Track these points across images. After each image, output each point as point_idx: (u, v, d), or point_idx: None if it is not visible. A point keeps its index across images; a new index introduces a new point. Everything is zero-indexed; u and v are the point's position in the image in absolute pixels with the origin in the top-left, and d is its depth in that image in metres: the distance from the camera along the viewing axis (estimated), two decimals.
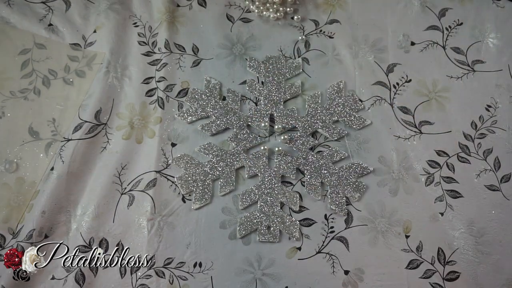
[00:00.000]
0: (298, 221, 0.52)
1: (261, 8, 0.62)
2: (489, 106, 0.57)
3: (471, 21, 0.61)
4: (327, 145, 0.55)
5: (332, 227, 0.52)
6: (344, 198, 0.52)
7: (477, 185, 0.54)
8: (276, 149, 0.54)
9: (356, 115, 0.56)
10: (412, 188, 0.53)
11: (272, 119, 0.56)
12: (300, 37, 0.61)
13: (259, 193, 0.53)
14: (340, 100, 0.57)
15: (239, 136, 0.55)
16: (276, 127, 0.55)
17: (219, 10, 0.62)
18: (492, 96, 0.58)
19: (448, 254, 0.51)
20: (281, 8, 0.61)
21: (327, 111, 0.56)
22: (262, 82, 0.58)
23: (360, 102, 0.57)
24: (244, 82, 0.58)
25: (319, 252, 0.51)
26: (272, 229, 0.51)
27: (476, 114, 0.57)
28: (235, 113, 0.56)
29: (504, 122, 0.57)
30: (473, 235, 0.51)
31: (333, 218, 0.52)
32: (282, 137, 0.54)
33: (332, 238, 0.51)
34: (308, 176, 0.53)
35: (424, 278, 0.50)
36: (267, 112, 0.56)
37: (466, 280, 0.50)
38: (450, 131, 0.56)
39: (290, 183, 0.54)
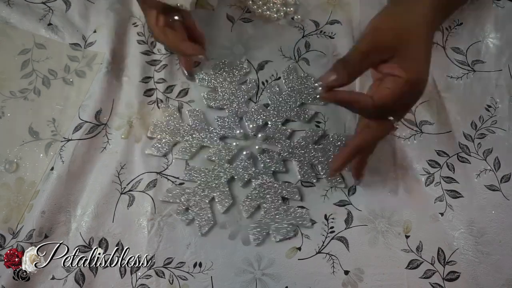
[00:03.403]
0: None
1: (262, 8, 0.62)
2: (489, 106, 0.57)
3: (471, 21, 0.61)
4: (303, 129, 0.56)
5: (332, 227, 0.52)
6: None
7: (477, 185, 0.54)
8: (256, 147, 0.54)
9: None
10: (412, 188, 0.53)
11: (242, 122, 0.56)
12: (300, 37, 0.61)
13: (257, 196, 0.52)
14: (296, 84, 0.58)
15: (216, 151, 0.54)
16: (249, 127, 0.55)
17: (219, 10, 0.62)
18: (492, 96, 0.58)
19: (448, 254, 0.51)
20: (281, 8, 0.61)
21: (289, 99, 0.57)
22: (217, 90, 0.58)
23: (312, 78, 0.58)
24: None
25: (319, 252, 0.51)
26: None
27: (476, 114, 0.57)
28: (205, 130, 0.55)
29: (504, 122, 0.57)
30: (473, 235, 0.51)
31: (333, 218, 0.52)
32: (259, 135, 0.55)
33: (332, 238, 0.51)
34: (298, 164, 0.54)
35: (424, 278, 0.50)
36: (235, 117, 0.56)
37: (466, 280, 0.50)
38: (450, 131, 0.56)
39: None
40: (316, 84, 0.40)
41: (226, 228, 0.51)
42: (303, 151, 0.54)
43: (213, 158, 0.54)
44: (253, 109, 0.56)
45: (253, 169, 0.54)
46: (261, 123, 0.56)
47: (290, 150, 0.54)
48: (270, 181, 0.53)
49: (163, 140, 0.55)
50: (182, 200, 0.52)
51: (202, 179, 0.53)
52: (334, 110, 0.57)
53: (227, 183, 0.53)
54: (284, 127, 0.55)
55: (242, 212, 0.52)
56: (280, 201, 0.52)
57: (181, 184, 0.53)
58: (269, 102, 0.57)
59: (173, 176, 0.54)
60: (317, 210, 0.53)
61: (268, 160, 0.54)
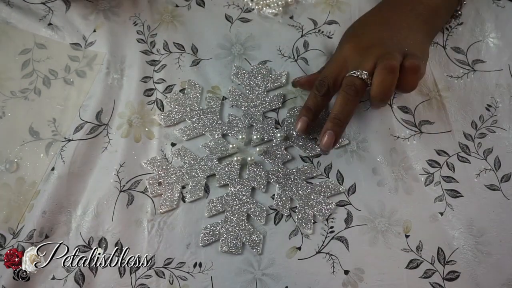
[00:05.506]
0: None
1: (261, 3, 0.61)
2: (490, 106, 0.57)
3: (471, 20, 0.61)
4: (303, 160, 0.55)
5: (332, 227, 0.52)
6: (312, 216, 0.52)
7: (477, 184, 0.54)
8: (249, 159, 0.53)
9: None
10: (411, 188, 0.53)
11: (250, 130, 0.56)
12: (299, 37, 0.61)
13: (226, 203, 0.52)
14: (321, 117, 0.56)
15: (213, 144, 0.54)
16: (254, 137, 0.54)
17: (218, 10, 0.62)
18: (492, 95, 0.58)
19: (448, 254, 0.51)
20: (280, 2, 0.61)
21: None
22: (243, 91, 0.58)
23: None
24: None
25: (319, 252, 0.51)
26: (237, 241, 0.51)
27: (476, 113, 0.57)
28: (213, 120, 0.55)
29: (504, 121, 0.56)
30: (473, 235, 0.51)
31: (333, 218, 0.52)
32: (258, 149, 0.54)
33: (332, 238, 0.51)
34: (279, 192, 0.53)
35: (424, 278, 0.50)
36: (246, 122, 0.55)
37: (466, 280, 0.50)
38: (450, 131, 0.56)
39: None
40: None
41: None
42: (290, 182, 0.53)
43: (206, 149, 0.54)
44: (266, 122, 0.55)
45: (236, 176, 0.53)
46: (266, 138, 0.55)
47: (280, 175, 0.53)
48: (244, 195, 0.52)
49: (174, 112, 0.55)
50: (159, 172, 0.53)
51: (186, 163, 0.53)
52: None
53: (206, 178, 0.53)
54: (286, 152, 0.54)
55: (204, 209, 0.52)
56: (244, 217, 0.52)
57: (166, 159, 0.54)
58: (285, 122, 0.56)
59: None
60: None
61: (254, 175, 0.53)
